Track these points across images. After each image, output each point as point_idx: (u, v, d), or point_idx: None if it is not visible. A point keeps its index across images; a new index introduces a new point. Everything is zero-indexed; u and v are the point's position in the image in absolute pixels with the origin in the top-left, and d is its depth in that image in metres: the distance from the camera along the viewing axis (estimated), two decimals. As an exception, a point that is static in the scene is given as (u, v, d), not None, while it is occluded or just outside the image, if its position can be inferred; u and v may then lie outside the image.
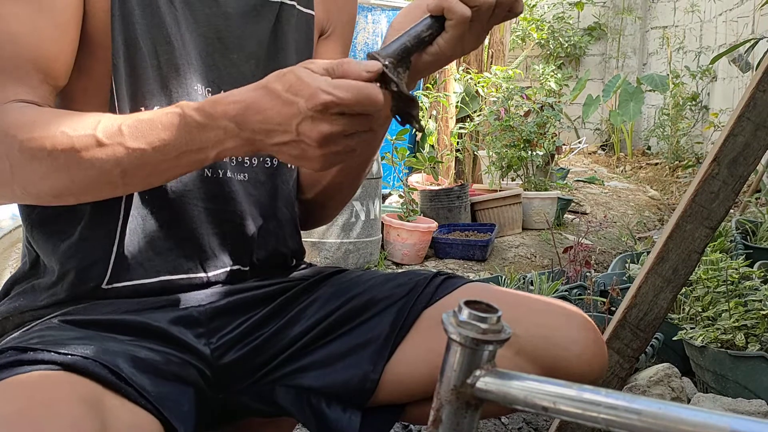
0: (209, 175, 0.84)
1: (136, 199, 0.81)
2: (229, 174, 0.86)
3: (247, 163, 0.88)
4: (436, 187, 3.69)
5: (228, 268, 0.88)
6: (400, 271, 0.99)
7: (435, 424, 0.56)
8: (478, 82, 4.24)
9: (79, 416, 0.62)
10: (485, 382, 0.53)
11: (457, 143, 4.16)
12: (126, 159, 0.68)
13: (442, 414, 0.55)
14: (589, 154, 6.81)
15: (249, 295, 0.88)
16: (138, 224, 0.81)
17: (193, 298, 0.85)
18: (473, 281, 0.95)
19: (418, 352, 0.86)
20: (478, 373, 0.54)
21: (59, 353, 0.69)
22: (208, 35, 0.84)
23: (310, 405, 0.86)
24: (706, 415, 0.43)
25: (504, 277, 2.32)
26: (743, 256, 2.10)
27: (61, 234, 0.81)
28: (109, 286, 0.81)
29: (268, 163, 0.90)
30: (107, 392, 0.68)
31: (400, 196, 3.37)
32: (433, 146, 4.05)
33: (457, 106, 4.29)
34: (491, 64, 4.57)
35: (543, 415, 1.61)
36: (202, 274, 0.86)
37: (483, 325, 0.52)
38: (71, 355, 0.69)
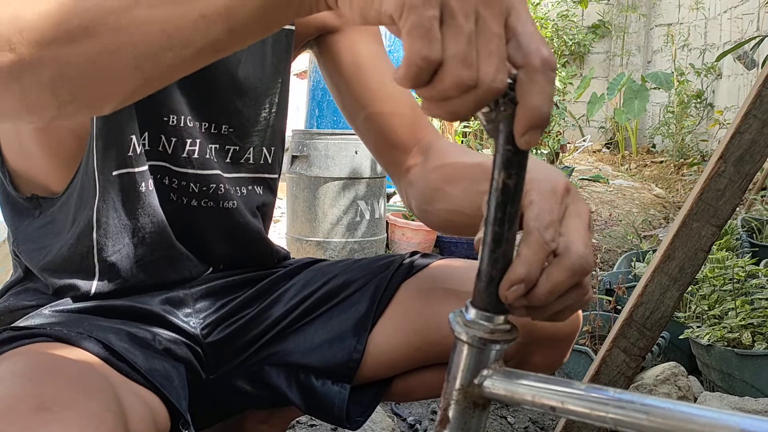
0: (175, 199, 0.84)
1: (106, 228, 0.80)
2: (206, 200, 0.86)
3: (230, 191, 0.88)
4: (441, 186, 3.68)
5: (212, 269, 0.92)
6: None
7: (443, 424, 0.56)
8: (483, 81, 4.24)
9: (89, 370, 0.65)
10: (492, 381, 0.53)
11: (462, 142, 4.16)
12: None
13: (450, 413, 0.55)
14: (594, 152, 6.79)
15: (232, 280, 0.92)
16: (116, 256, 0.81)
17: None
18: (449, 257, 0.97)
19: (398, 322, 0.89)
20: (485, 372, 0.53)
21: (54, 329, 0.71)
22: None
23: (299, 381, 0.89)
24: (715, 415, 0.43)
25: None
26: (749, 254, 2.09)
27: (43, 252, 0.82)
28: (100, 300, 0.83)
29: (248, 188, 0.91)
30: (103, 364, 0.69)
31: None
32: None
33: (461, 105, 4.28)
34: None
35: (550, 415, 1.61)
36: (188, 283, 0.89)
37: (490, 325, 0.52)
38: (65, 330, 0.71)
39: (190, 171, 0.83)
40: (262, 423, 1.09)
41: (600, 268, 2.51)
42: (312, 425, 1.53)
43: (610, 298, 1.83)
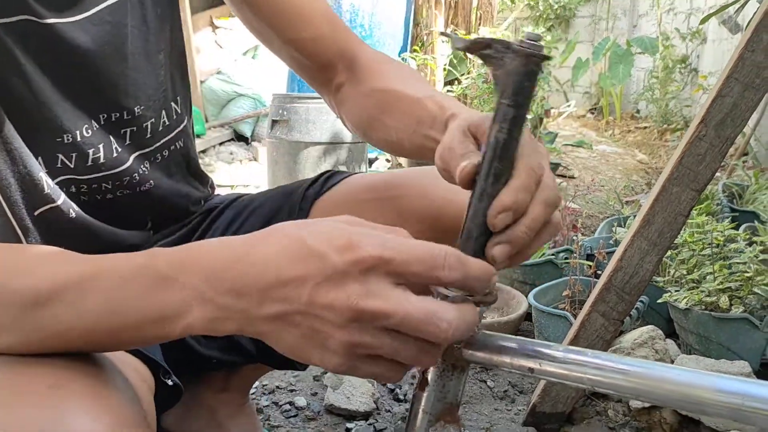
0: (87, 200, 0.81)
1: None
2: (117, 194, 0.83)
3: (135, 179, 0.84)
4: (424, 152, 3.65)
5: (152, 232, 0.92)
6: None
7: (421, 387, 0.56)
8: (467, 45, 4.19)
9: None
10: (471, 344, 0.54)
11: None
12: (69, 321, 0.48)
13: (429, 376, 0.56)
14: (578, 117, 6.78)
15: (168, 241, 0.92)
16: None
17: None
18: (362, 172, 0.97)
19: None
20: None
21: None
22: (66, 78, 0.74)
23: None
24: (691, 375, 0.43)
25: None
26: (729, 219, 2.10)
27: None
28: None
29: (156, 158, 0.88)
30: None
31: (387, 161, 3.35)
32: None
33: (444, 69, 4.24)
34: (479, 25, 4.51)
35: (529, 378, 1.62)
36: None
37: None
38: None
39: (99, 174, 0.80)
40: (221, 392, 1.09)
41: (581, 234, 2.52)
42: (292, 390, 1.53)
43: (591, 263, 1.83)
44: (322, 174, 0.97)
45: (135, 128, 0.82)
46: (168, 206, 0.91)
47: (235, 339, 0.88)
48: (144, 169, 0.84)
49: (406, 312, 0.42)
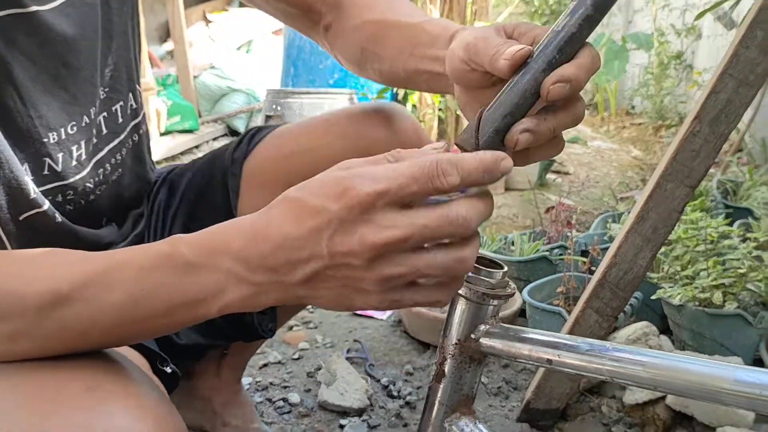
0: (72, 208, 0.80)
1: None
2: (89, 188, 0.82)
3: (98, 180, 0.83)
4: (419, 147, 3.64)
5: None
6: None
7: (438, 379, 0.58)
8: (462, 40, 4.18)
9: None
10: (490, 336, 0.55)
11: (440, 102, 4.12)
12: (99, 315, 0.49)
13: (446, 368, 0.57)
14: (573, 113, 6.77)
15: (138, 233, 0.93)
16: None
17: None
18: (284, 124, 0.98)
19: (256, 205, 0.92)
20: (482, 328, 0.55)
21: None
22: (51, 70, 0.72)
23: None
24: (710, 366, 0.43)
25: (485, 237, 2.32)
26: (723, 216, 2.10)
27: None
28: None
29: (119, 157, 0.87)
30: None
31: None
32: (415, 105, 4.01)
33: (440, 65, 4.22)
34: (474, 20, 4.50)
35: (522, 375, 1.62)
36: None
37: (490, 281, 0.53)
38: None
39: (84, 173, 0.79)
40: (214, 378, 1.09)
41: (576, 230, 2.52)
42: (285, 387, 1.53)
43: (585, 260, 1.83)
44: (247, 132, 0.97)
45: (107, 114, 0.82)
46: (132, 195, 0.91)
47: (211, 321, 0.89)
48: (115, 158, 0.84)
49: (419, 227, 0.43)
